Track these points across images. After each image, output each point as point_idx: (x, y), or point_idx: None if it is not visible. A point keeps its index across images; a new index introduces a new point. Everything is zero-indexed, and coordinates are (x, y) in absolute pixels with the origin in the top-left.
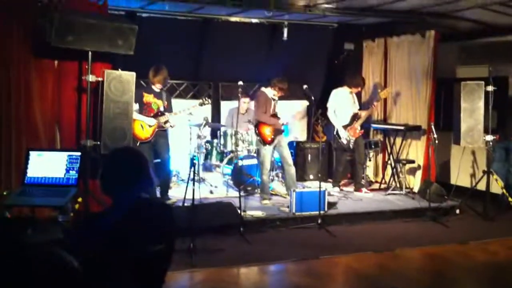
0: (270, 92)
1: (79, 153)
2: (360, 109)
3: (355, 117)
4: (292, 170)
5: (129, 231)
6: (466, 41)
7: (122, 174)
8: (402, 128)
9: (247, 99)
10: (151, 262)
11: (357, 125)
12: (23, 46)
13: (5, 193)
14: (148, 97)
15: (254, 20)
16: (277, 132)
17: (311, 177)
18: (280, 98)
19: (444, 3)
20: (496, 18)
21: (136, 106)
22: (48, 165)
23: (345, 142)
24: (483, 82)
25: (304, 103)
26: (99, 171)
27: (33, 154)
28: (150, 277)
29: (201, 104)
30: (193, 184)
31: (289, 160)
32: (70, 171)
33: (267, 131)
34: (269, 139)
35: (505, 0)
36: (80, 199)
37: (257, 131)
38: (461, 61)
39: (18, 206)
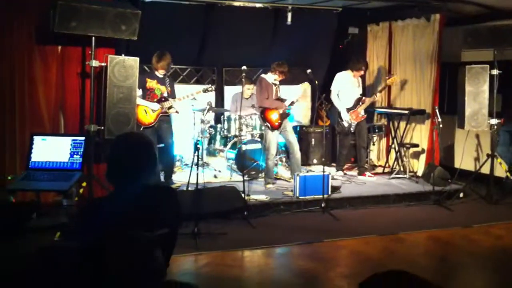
0: (270, 77)
1: (83, 138)
2: (362, 94)
3: (359, 101)
4: (298, 154)
5: (135, 216)
6: (471, 25)
7: (129, 161)
8: (406, 112)
9: (251, 85)
10: (156, 245)
11: (360, 109)
12: (27, 32)
13: (9, 177)
14: (151, 83)
15: (258, 5)
16: (284, 116)
17: (315, 161)
18: (282, 82)
19: None
20: (502, 2)
21: (139, 92)
22: (52, 149)
23: (346, 125)
24: (488, 66)
25: (305, 85)
26: (106, 157)
27: (37, 139)
28: (155, 260)
29: (205, 91)
30: (197, 169)
31: (295, 145)
32: (74, 156)
33: (273, 117)
34: (277, 124)
35: None
36: (84, 184)
37: (263, 117)
38: (466, 45)
39: (22, 190)
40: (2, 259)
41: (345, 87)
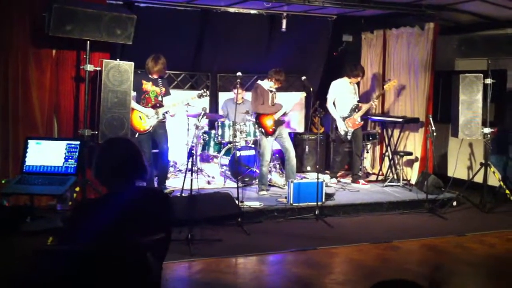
0: (266, 84)
1: (78, 142)
2: (359, 101)
3: (355, 108)
4: (293, 161)
5: (126, 220)
6: (465, 33)
7: (116, 164)
8: (400, 120)
9: (240, 90)
10: (148, 250)
11: (357, 116)
12: (22, 35)
13: (3, 181)
14: (146, 85)
15: (253, 11)
16: (278, 123)
17: (309, 168)
18: (278, 89)
19: None
20: (496, 11)
21: (133, 93)
22: (46, 153)
23: (343, 133)
24: (481, 75)
25: (302, 95)
26: (93, 160)
27: (31, 143)
28: (148, 265)
29: (199, 96)
30: (191, 175)
31: (291, 151)
32: (69, 160)
33: (268, 123)
34: (271, 130)
35: None
36: (77, 188)
37: (258, 123)
38: (460, 53)
39: (16, 194)
40: None
41: (341, 95)
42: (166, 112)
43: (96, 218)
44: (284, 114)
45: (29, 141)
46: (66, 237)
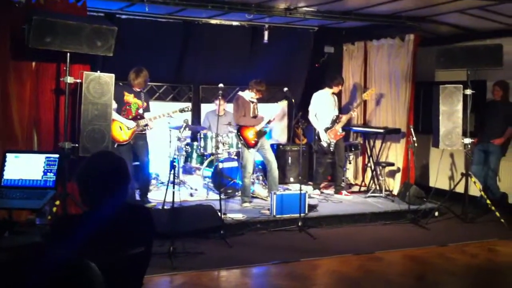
0: (248, 95)
1: (57, 155)
2: (340, 112)
3: (336, 119)
4: (275, 172)
5: (109, 235)
6: (445, 45)
7: (102, 180)
8: (381, 131)
9: (222, 101)
10: (129, 265)
11: (338, 127)
12: (2, 47)
13: None
14: (128, 97)
15: (234, 23)
16: (260, 135)
17: (292, 179)
18: (260, 100)
19: (423, 7)
20: (475, 23)
21: (114, 105)
22: (25, 167)
23: (325, 144)
24: (461, 86)
25: (283, 103)
26: (77, 175)
27: (10, 156)
28: (128, 280)
29: (181, 111)
30: (173, 187)
31: (273, 163)
32: (48, 173)
33: (250, 135)
34: (253, 142)
35: (483, 4)
36: (57, 202)
37: (240, 135)
38: (440, 64)
39: None
40: None
41: (323, 107)
42: (146, 125)
43: (76, 234)
44: (269, 122)
45: (7, 154)
46: (46, 252)
